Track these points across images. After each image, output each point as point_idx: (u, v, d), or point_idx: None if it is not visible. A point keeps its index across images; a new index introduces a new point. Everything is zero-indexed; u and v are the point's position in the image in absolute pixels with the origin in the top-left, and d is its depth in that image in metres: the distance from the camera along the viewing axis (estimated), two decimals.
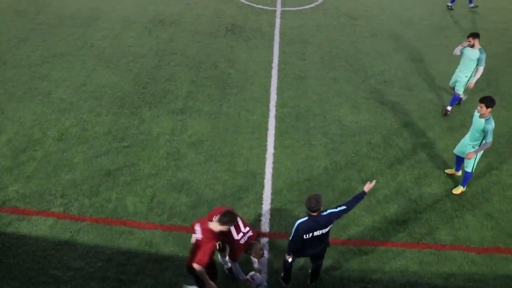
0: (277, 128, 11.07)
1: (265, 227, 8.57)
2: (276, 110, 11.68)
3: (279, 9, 17.68)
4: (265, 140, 10.67)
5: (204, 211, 8.75)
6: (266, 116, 11.47)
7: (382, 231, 8.63)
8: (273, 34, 15.60)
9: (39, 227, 8.40)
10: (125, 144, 10.38)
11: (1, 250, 7.90)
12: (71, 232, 8.32)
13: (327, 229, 6.72)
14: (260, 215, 8.79)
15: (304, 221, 6.58)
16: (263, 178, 9.62)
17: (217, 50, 14.45)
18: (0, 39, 14.47)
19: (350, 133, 11.01)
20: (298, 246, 6.77)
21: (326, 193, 9.30)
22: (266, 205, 9.00)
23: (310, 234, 6.62)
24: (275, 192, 9.30)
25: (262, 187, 9.41)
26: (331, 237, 8.12)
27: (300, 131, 11.01)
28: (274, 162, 10.04)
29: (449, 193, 9.44)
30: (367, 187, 7.03)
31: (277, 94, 12.34)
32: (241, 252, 6.89)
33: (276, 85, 12.73)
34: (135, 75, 12.93)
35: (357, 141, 10.77)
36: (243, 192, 9.27)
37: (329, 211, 6.68)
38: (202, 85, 12.58)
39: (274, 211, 8.88)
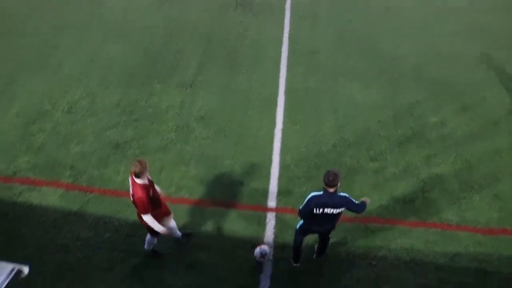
0: (286, 103, 11.01)
1: (272, 202, 8.61)
2: (286, 86, 11.59)
3: None
4: (274, 116, 10.62)
5: (212, 185, 8.82)
6: (275, 91, 11.39)
7: (389, 210, 8.64)
8: (284, 9, 15.35)
9: (49, 197, 8.51)
10: (134, 117, 10.39)
11: (13, 219, 8.03)
12: (80, 203, 8.43)
13: (338, 210, 6.54)
14: (267, 190, 8.83)
15: (319, 195, 6.44)
16: (272, 154, 9.62)
17: (227, 23, 14.28)
18: (10, 10, 14.40)
19: (360, 110, 10.93)
20: (307, 216, 6.68)
21: None
22: (274, 180, 9.02)
23: (321, 210, 6.47)
24: (283, 168, 9.30)
25: (270, 162, 9.42)
26: None
27: (310, 107, 10.95)
28: (282, 138, 10.02)
29: (457, 174, 9.38)
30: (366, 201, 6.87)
31: (288, 69, 12.23)
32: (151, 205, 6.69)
33: (286, 61, 12.60)
34: (145, 48, 12.85)
35: (367, 118, 10.69)
36: (251, 166, 9.28)
37: (347, 195, 6.54)
38: (212, 60, 12.49)
39: (281, 186, 8.91)
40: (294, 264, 7.52)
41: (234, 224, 8.19)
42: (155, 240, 7.30)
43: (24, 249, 7.56)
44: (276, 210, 8.47)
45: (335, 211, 6.53)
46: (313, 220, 6.72)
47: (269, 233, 8.04)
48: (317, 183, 8.85)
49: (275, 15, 14.94)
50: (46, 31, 13.36)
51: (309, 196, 6.54)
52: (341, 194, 6.53)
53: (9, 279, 4.52)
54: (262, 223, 8.23)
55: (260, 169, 9.25)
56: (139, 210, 6.61)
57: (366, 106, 11.07)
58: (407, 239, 8.09)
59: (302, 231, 7.07)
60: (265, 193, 8.75)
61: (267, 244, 7.77)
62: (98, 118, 10.33)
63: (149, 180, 6.62)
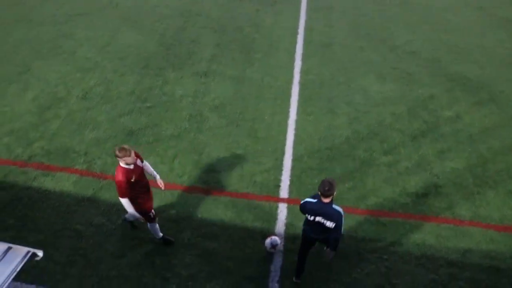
0: (300, 95, 10.97)
1: (284, 193, 8.61)
2: (300, 77, 11.55)
3: None
4: (288, 107, 10.60)
5: (224, 174, 8.84)
6: (289, 82, 11.36)
7: (401, 203, 8.59)
8: (299, 0, 15.27)
9: (63, 183, 8.59)
10: (148, 104, 10.43)
11: (27, 204, 8.12)
12: (93, 189, 8.50)
13: (330, 224, 6.23)
14: (279, 180, 8.82)
15: (312, 202, 6.29)
16: (284, 145, 9.61)
17: (242, 13, 14.24)
18: None
19: (374, 103, 10.86)
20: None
21: (347, 162, 9.26)
22: (286, 171, 9.02)
23: (313, 217, 6.30)
24: (295, 159, 9.29)
25: (283, 153, 9.41)
26: (348, 205, 8.19)
27: (324, 99, 10.90)
28: (296, 129, 10.00)
29: (472, 169, 9.30)
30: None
31: (302, 60, 12.18)
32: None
33: (301, 51, 12.55)
34: (160, 35, 12.87)
35: (381, 112, 10.62)
36: (263, 157, 9.28)
37: (341, 212, 6.25)
38: (227, 49, 12.47)
39: (294, 177, 8.90)
40: (295, 280, 7.16)
41: (245, 214, 8.20)
42: (156, 225, 7.36)
43: (38, 233, 7.64)
44: (288, 201, 8.47)
45: (328, 223, 6.27)
46: (309, 226, 6.51)
47: (280, 224, 8.04)
48: (330, 175, 8.87)
49: (291, 5, 14.87)
50: (61, 19, 13.43)
51: (303, 201, 6.42)
52: (336, 207, 6.27)
53: (23, 262, 4.59)
54: (273, 214, 8.23)
55: (273, 159, 9.25)
56: (117, 192, 6.74)
57: (380, 99, 11.00)
58: (419, 233, 8.05)
59: (303, 236, 6.80)
60: (277, 184, 8.75)
61: (278, 235, 7.78)
62: (113, 105, 10.39)
63: (136, 166, 6.73)
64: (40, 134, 9.57)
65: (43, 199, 8.21)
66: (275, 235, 7.69)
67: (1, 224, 7.77)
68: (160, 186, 7.24)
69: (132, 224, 7.78)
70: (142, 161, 6.98)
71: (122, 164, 6.58)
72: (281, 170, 9.05)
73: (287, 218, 8.15)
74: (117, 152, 6.50)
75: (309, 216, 6.37)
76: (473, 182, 9.02)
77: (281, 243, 7.64)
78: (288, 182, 8.81)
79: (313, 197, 6.38)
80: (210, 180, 8.74)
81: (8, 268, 4.51)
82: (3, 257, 4.61)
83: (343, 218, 6.35)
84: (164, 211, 8.11)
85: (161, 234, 7.53)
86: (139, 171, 6.82)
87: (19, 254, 4.66)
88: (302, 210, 6.49)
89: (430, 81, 11.66)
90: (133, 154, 6.55)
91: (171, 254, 7.46)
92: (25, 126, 9.77)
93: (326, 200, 6.18)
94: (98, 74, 11.29)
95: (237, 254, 7.54)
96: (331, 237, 6.46)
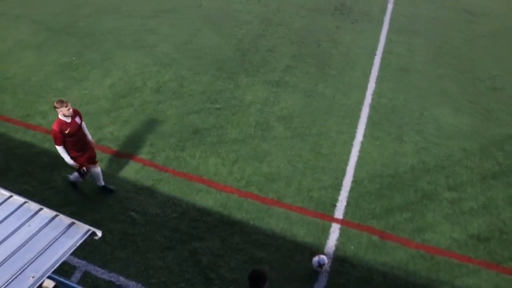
0: (370, 117, 10.75)
1: (339, 213, 8.44)
2: (372, 99, 11.32)
3: None
4: (355, 127, 10.41)
5: (281, 185, 8.80)
6: (360, 103, 11.17)
7: (460, 244, 8.17)
8: (382, 20, 15.03)
9: (126, 169, 8.89)
10: (218, 106, 10.61)
11: (90, 183, 8.48)
12: (153, 180, 8.73)
13: None
14: (336, 200, 8.67)
15: None
16: (346, 165, 9.43)
17: (322, 28, 14.20)
18: None
19: (445, 135, 10.44)
20: None
21: (408, 192, 8.95)
22: (344, 192, 8.85)
23: None
24: (355, 181, 9.10)
25: (344, 173, 9.24)
26: (403, 236, 7.90)
27: (393, 124, 10.62)
28: (360, 151, 9.80)
29: None
30: None
31: (376, 82, 11.94)
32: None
33: (376, 73, 12.31)
34: (238, 40, 13.08)
35: (451, 145, 10.19)
36: (323, 174, 9.16)
37: None
38: (302, 61, 12.47)
39: (351, 199, 8.71)
40: None
41: (297, 228, 8.11)
42: (80, 179, 8.13)
43: (96, 213, 7.96)
44: (341, 222, 8.30)
45: None
46: None
47: (331, 244, 7.89)
48: (388, 203, 8.62)
49: (373, 25, 14.65)
50: (148, 14, 14.01)
51: None
52: None
53: (83, 238, 4.78)
54: (325, 233, 8.09)
55: (333, 178, 9.11)
56: (53, 140, 7.49)
57: (453, 132, 10.56)
58: (475, 279, 7.60)
59: None
60: (333, 203, 8.60)
61: (327, 254, 7.63)
62: (183, 101, 10.66)
63: (73, 121, 7.47)
64: (111, 120, 9.99)
65: (106, 181, 8.53)
66: (324, 254, 7.55)
67: (66, 199, 8.18)
68: (92, 143, 8.06)
69: (74, 185, 8.46)
70: (81, 120, 7.72)
71: (60, 116, 7.36)
72: (340, 190, 8.89)
73: (338, 239, 7.98)
74: (55, 104, 7.29)
75: None
76: None
77: (328, 263, 7.48)
78: (344, 203, 8.63)
79: None
80: (267, 189, 8.74)
81: (69, 242, 4.72)
82: (66, 230, 4.83)
83: None
84: (218, 212, 8.19)
85: (73, 180, 8.29)
86: (75, 127, 7.51)
87: (80, 230, 4.85)
88: None
89: (510, 122, 11.04)
90: (70, 107, 7.31)
91: (219, 256, 7.51)
92: (99, 110, 10.23)
93: None
94: (174, 70, 11.64)
95: (283, 266, 7.46)
96: None
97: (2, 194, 5.14)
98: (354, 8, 15.56)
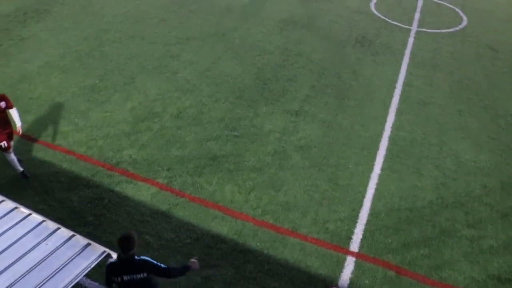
0: (388, 149, 10.68)
1: (354, 246, 8.33)
2: (391, 132, 11.27)
3: (414, 28, 17.03)
4: (374, 159, 10.35)
5: (297, 215, 8.74)
6: (379, 135, 11.12)
7: (479, 284, 7.95)
8: (403, 53, 15.08)
9: (143, 193, 8.93)
10: (236, 133, 10.67)
11: (107, 205, 8.53)
12: (169, 204, 8.75)
13: (140, 276, 5.65)
14: (352, 232, 8.56)
15: (114, 262, 5.62)
16: (364, 197, 9.35)
17: (343, 59, 14.29)
18: (144, 17, 15.63)
19: (465, 171, 10.30)
20: (109, 286, 5.90)
21: (426, 227, 8.80)
22: (360, 225, 8.74)
23: (119, 278, 5.66)
24: (372, 214, 8.99)
25: (361, 205, 9.15)
26: (420, 273, 7.72)
27: (412, 158, 10.52)
28: (378, 184, 9.71)
29: None
30: (194, 263, 6.02)
31: (396, 115, 11.91)
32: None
33: (396, 106, 12.29)
34: (258, 69, 13.23)
35: (471, 181, 10.04)
36: (340, 205, 9.08)
37: (147, 259, 5.70)
38: (322, 92, 12.53)
39: (367, 233, 8.59)
40: None
41: (312, 259, 8.01)
42: (13, 157, 8.72)
43: (111, 235, 7.96)
44: (357, 255, 8.17)
45: (136, 276, 5.68)
46: None
47: (345, 277, 7.75)
48: (405, 237, 8.48)
49: (393, 58, 14.71)
50: (171, 41, 14.29)
51: (106, 265, 5.71)
52: (138, 258, 5.66)
53: (99, 260, 4.80)
54: (340, 265, 7.97)
55: (350, 210, 9.02)
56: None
57: (472, 168, 10.42)
58: None
59: None
60: (349, 236, 8.49)
61: (341, 287, 7.50)
62: (202, 127, 10.75)
63: None
64: (130, 143, 10.10)
65: (122, 203, 8.58)
66: (338, 287, 7.43)
67: (82, 219, 8.22)
68: (18, 132, 8.75)
69: (25, 175, 8.98)
70: (7, 106, 8.40)
71: None
72: (356, 222, 8.79)
73: (353, 272, 7.85)
74: None
75: (115, 278, 5.71)
76: None
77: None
78: (360, 236, 8.52)
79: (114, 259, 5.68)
80: (282, 218, 8.68)
81: (84, 262, 4.76)
82: (82, 251, 4.86)
83: (151, 261, 5.72)
84: (232, 240, 8.14)
85: (21, 169, 8.89)
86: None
87: (96, 251, 4.89)
88: (107, 274, 5.76)
89: None
90: None
91: (231, 284, 7.43)
92: (119, 133, 10.36)
93: (123, 255, 5.55)
94: (194, 96, 11.78)
95: None
96: (162, 275, 5.77)
97: (22, 212, 5.21)
98: (375, 41, 15.67)
